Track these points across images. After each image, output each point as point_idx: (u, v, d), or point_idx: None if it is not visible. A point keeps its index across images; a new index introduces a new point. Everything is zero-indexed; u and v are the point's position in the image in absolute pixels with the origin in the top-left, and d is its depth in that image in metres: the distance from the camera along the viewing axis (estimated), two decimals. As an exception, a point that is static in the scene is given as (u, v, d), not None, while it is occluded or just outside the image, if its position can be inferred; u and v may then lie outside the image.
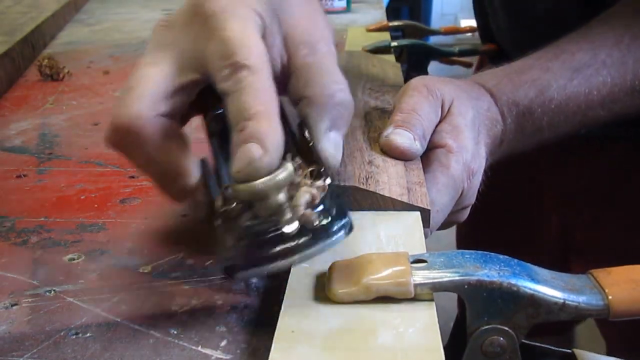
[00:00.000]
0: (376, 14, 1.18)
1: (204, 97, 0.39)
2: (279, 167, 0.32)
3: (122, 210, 0.49)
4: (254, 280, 0.39)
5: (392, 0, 2.93)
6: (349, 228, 0.33)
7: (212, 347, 0.34)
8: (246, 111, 0.32)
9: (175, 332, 0.35)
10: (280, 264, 0.31)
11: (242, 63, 0.33)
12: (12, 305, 0.37)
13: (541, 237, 0.93)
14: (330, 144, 0.38)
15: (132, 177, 0.54)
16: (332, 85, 0.38)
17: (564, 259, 0.91)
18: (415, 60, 0.89)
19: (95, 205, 0.49)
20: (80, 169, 0.56)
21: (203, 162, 0.39)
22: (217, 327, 0.35)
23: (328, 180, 0.34)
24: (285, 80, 0.39)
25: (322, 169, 0.34)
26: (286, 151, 0.33)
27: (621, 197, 0.81)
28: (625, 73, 0.54)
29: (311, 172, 0.34)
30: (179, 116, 0.38)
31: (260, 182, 0.31)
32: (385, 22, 1.06)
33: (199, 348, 0.33)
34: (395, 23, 1.07)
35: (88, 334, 0.35)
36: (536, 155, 0.58)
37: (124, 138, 0.35)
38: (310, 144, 0.37)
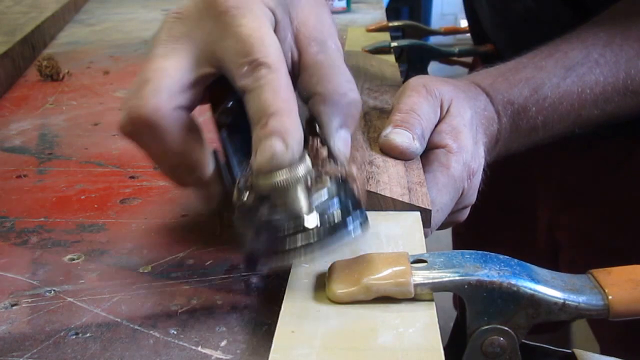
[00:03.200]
0: (376, 14, 1.18)
1: (212, 90, 0.39)
2: (298, 162, 0.33)
3: (122, 210, 0.48)
4: (254, 280, 0.39)
5: (392, 0, 2.93)
6: (365, 221, 0.34)
7: (212, 347, 0.34)
8: (268, 108, 0.33)
9: (175, 332, 0.35)
10: (301, 255, 0.32)
11: (261, 61, 0.34)
12: (12, 305, 0.37)
13: (533, 235, 0.94)
14: (341, 141, 0.38)
15: (132, 177, 0.54)
16: (344, 85, 0.39)
17: (553, 258, 0.91)
18: (415, 60, 0.89)
19: (95, 205, 0.49)
20: (80, 169, 0.56)
21: (215, 154, 0.39)
22: (217, 327, 0.35)
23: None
24: (295, 76, 0.40)
25: (336, 166, 0.36)
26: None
27: (607, 195, 0.81)
28: (618, 72, 0.55)
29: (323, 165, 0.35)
30: (194, 108, 0.38)
31: (281, 177, 0.32)
32: (385, 22, 1.06)
33: (199, 348, 0.33)
34: (395, 23, 1.07)
35: (88, 334, 0.35)
36: (528, 153, 0.59)
37: (141, 129, 0.36)
38: (322, 142, 0.38)
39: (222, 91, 0.39)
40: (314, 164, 0.34)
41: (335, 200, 0.33)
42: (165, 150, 0.37)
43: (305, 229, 0.32)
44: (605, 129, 0.58)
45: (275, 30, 0.38)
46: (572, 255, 0.89)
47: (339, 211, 0.33)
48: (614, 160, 0.79)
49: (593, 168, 0.81)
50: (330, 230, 0.32)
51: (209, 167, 0.38)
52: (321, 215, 0.32)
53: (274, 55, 0.35)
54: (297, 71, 0.40)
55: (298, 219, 0.32)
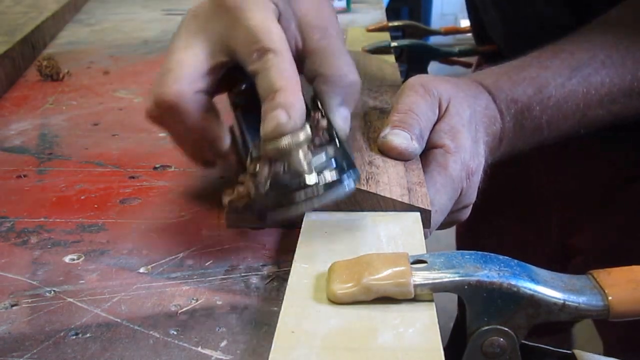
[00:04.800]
0: (376, 14, 1.18)
1: (229, 77, 0.45)
2: (299, 130, 0.38)
3: (122, 210, 0.49)
4: (254, 280, 0.39)
5: (392, 0, 2.93)
6: (358, 178, 0.39)
7: (212, 347, 0.34)
8: (274, 85, 0.39)
9: (175, 333, 0.35)
10: (303, 207, 0.37)
11: (268, 47, 0.40)
12: (12, 306, 0.37)
13: (540, 237, 0.93)
14: (341, 117, 0.44)
15: (132, 177, 0.54)
16: (344, 67, 0.44)
17: (564, 260, 0.90)
18: (415, 60, 0.89)
19: (95, 205, 0.49)
20: (80, 169, 0.56)
21: (231, 129, 0.46)
22: (217, 327, 0.35)
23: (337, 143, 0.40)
24: (300, 60, 0.45)
25: (334, 134, 0.41)
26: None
27: (617, 199, 0.80)
28: (624, 74, 0.54)
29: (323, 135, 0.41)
30: (213, 93, 0.44)
31: (285, 142, 0.37)
32: (385, 22, 1.06)
33: (199, 348, 0.33)
34: (395, 23, 1.07)
35: (88, 334, 0.35)
36: (535, 155, 0.58)
37: (166, 112, 0.42)
38: (323, 115, 0.43)
39: (236, 78, 0.46)
40: (315, 133, 0.39)
41: (332, 161, 0.38)
42: (188, 129, 0.43)
43: (306, 186, 0.37)
44: (616, 132, 0.57)
45: (279, 21, 0.43)
46: (584, 260, 0.88)
47: (335, 170, 0.38)
48: (631, 168, 0.78)
49: (604, 172, 0.80)
50: (328, 186, 0.37)
51: (226, 140, 0.44)
52: (320, 174, 0.37)
53: (278, 42, 0.40)
54: (302, 56, 0.45)
55: (300, 177, 0.37)
